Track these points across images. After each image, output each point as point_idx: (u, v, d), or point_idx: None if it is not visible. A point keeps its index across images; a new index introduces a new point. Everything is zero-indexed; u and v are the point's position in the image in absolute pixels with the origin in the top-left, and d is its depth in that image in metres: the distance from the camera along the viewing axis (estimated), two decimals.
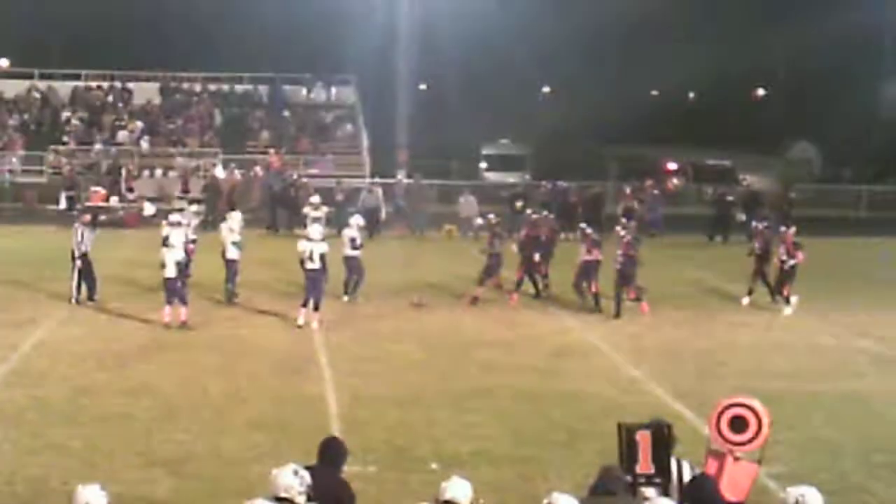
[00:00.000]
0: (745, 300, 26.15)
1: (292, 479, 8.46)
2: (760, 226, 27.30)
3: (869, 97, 73.85)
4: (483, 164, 60.22)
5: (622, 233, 25.14)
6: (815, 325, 23.98)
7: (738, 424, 9.81)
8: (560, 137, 70.54)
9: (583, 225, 26.56)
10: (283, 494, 8.41)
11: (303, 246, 22.35)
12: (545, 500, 8.20)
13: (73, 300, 24.09)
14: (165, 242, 22.39)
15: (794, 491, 8.41)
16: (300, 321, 22.13)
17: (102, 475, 12.72)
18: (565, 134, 72.46)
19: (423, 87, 75.86)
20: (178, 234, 22.64)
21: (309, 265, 22.19)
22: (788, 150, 71.72)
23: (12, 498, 12.46)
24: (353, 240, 25.02)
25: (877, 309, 25.87)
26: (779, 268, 25.29)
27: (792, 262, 24.92)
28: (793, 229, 25.70)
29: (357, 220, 25.85)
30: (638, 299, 24.36)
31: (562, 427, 15.69)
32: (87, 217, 25.17)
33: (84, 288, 24.31)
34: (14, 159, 49.77)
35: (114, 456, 14.02)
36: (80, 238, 24.22)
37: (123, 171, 44.82)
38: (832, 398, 17.67)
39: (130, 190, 43.50)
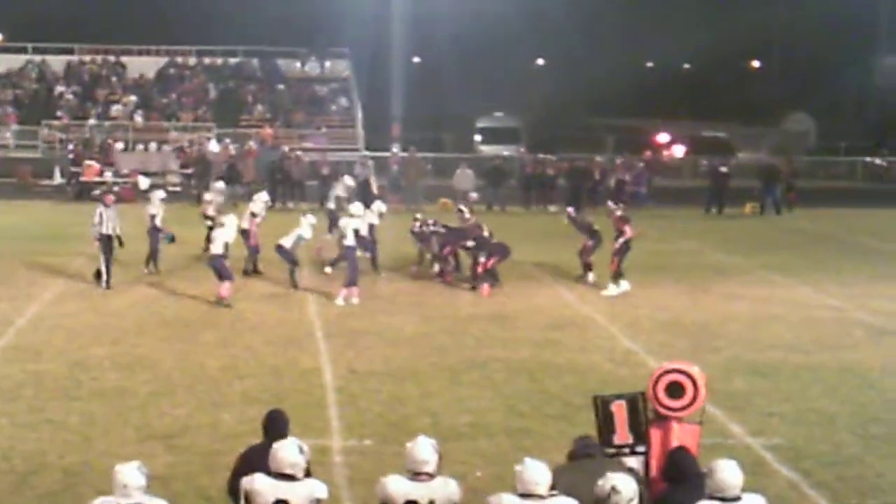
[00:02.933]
0: (590, 277, 24.74)
1: (298, 455, 8.47)
2: (571, 211, 26.45)
3: (865, 69, 73.86)
4: (478, 137, 60.18)
5: (465, 215, 24.99)
6: (811, 296, 23.98)
7: (675, 390, 9.80)
8: (555, 110, 70.56)
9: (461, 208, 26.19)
10: (288, 471, 8.42)
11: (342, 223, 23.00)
12: (517, 467, 8.28)
13: (104, 285, 23.22)
14: (216, 222, 22.38)
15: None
16: (339, 300, 22.24)
17: (99, 450, 12.79)
18: (560, 106, 72.47)
19: (416, 60, 75.73)
20: (232, 217, 22.92)
21: (344, 242, 22.59)
22: (784, 122, 71.77)
23: (10, 473, 12.45)
24: (371, 226, 25.04)
25: (873, 281, 25.89)
26: (614, 246, 23.89)
27: (621, 239, 23.70)
28: (619, 205, 24.80)
29: (380, 207, 25.91)
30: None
31: (557, 399, 15.69)
32: (111, 198, 24.30)
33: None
34: (8, 134, 49.74)
35: (110, 430, 14.00)
36: (98, 219, 23.26)
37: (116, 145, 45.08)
38: (828, 370, 17.67)
39: (111, 164, 43.51)
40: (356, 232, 22.75)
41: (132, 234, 25.03)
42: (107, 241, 23.30)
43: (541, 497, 8.14)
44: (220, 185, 27.01)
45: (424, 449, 8.51)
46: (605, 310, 22.08)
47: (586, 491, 8.60)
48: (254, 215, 24.95)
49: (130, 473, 8.25)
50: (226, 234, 21.93)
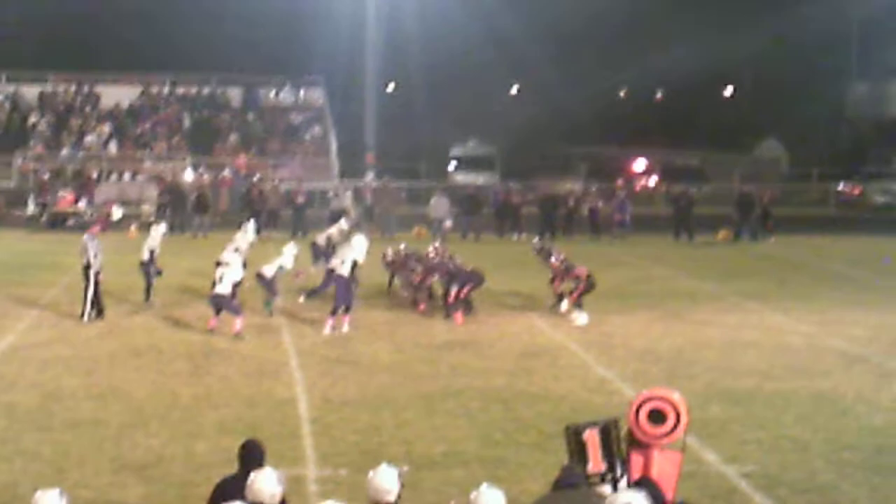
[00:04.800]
0: (563, 305, 24.46)
1: (276, 485, 8.46)
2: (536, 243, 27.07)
3: (836, 96, 74.31)
4: (452, 165, 60.25)
5: (431, 254, 25.23)
6: (784, 323, 24.06)
7: (657, 417, 9.79)
8: (529, 138, 70.69)
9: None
10: (266, 501, 8.41)
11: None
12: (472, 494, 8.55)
13: (86, 316, 22.85)
14: (221, 261, 22.30)
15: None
16: (326, 330, 22.17)
17: (73, 481, 12.71)
18: (534, 134, 72.63)
19: (390, 88, 75.88)
20: (232, 254, 22.83)
21: (338, 271, 22.55)
22: (756, 149, 72.14)
23: None
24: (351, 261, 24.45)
25: (845, 307, 25.97)
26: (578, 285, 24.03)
27: (581, 285, 23.81)
28: (560, 257, 24.81)
29: (361, 242, 25.00)
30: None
31: (532, 428, 15.70)
32: (97, 228, 24.28)
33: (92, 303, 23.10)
34: None
35: (84, 461, 13.95)
36: (89, 251, 22.90)
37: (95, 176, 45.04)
38: (802, 397, 17.72)
39: (88, 194, 43.40)
40: (354, 263, 22.61)
41: (109, 264, 24.89)
42: (89, 272, 23.02)
43: None
44: (251, 225, 26.55)
45: (385, 478, 8.50)
46: (578, 338, 22.10)
47: None
48: (237, 251, 24.26)
49: (51, 499, 8.23)
50: (233, 274, 21.87)
